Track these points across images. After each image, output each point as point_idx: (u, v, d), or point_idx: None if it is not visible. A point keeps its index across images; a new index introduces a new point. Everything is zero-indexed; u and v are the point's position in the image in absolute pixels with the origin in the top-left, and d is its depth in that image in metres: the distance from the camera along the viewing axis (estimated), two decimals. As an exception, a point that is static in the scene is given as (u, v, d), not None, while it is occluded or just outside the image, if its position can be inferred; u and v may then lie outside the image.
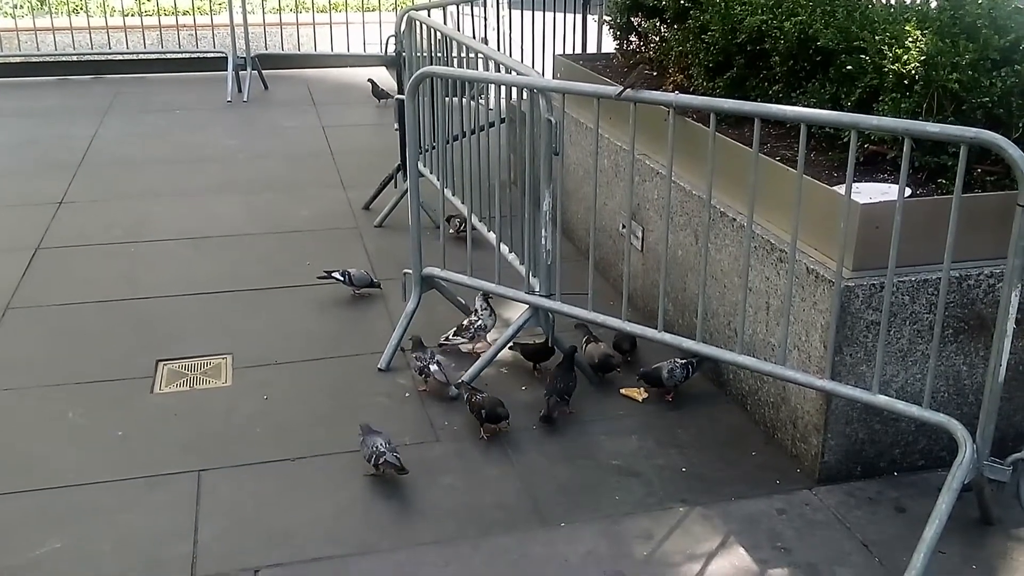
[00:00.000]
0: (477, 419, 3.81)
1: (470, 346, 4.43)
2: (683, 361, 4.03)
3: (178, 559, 3.13)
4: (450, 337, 4.40)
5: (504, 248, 4.44)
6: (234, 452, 3.71)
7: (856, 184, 3.29)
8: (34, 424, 3.91)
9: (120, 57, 10.31)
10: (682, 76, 4.88)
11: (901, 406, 3.24)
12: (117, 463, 3.64)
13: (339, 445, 3.74)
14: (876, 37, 3.73)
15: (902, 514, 3.36)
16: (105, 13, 10.17)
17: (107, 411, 3.99)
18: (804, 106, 3.85)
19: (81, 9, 10.49)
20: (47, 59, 10.15)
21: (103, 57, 10.24)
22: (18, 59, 10.15)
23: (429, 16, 5.70)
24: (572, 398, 3.96)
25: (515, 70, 4.16)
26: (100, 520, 3.33)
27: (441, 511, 3.39)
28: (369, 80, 9.10)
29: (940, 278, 3.10)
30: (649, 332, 3.83)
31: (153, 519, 3.33)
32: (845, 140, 3.38)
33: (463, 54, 5.06)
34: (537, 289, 4.14)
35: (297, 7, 10.48)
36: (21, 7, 10.74)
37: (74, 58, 10.21)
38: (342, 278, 5.05)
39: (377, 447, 3.49)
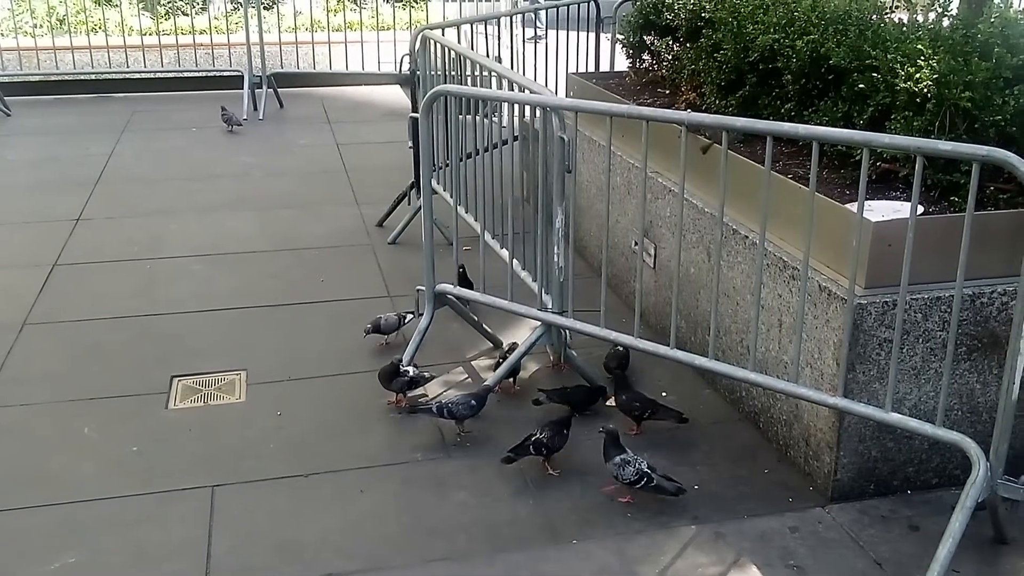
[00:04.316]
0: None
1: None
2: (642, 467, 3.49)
3: (191, 574, 3.15)
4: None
5: (517, 265, 4.45)
6: (247, 468, 3.73)
7: (868, 202, 3.30)
8: (50, 439, 3.94)
9: (137, 75, 10.41)
10: (694, 94, 4.90)
11: (914, 424, 3.23)
12: (132, 478, 3.67)
13: (352, 461, 3.75)
14: (888, 55, 3.74)
15: (915, 532, 3.35)
16: (123, 32, 10.29)
17: (122, 426, 4.02)
18: (816, 124, 3.86)
19: (99, 28, 10.61)
20: (65, 77, 10.25)
21: (121, 76, 10.35)
22: (37, 77, 10.28)
23: (443, 35, 5.76)
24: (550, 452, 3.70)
25: (528, 88, 4.19)
26: (115, 534, 3.35)
27: (453, 527, 3.39)
28: (221, 107, 8.93)
29: (953, 296, 3.09)
30: (661, 349, 3.83)
31: (167, 534, 3.35)
32: (857, 158, 3.38)
33: (477, 72, 5.10)
34: (549, 306, 4.15)
35: (312, 26, 10.58)
36: (40, 26, 10.89)
37: (92, 77, 10.32)
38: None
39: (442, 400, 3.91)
